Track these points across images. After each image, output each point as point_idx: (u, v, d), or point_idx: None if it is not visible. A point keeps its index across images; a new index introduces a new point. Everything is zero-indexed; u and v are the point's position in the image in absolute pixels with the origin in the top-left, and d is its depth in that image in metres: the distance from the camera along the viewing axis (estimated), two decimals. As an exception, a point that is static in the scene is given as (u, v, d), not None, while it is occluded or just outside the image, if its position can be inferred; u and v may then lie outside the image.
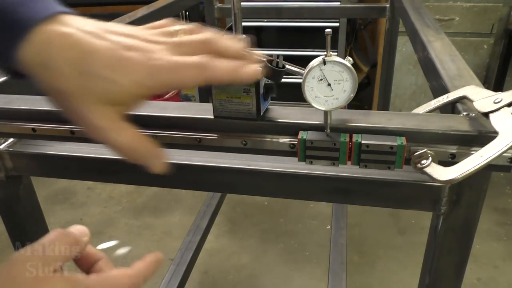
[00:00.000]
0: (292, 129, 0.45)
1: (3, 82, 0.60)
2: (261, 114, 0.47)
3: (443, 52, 0.64)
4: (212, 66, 0.33)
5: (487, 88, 0.47)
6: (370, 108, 2.54)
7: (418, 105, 0.51)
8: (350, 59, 0.41)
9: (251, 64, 0.35)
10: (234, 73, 0.34)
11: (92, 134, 0.33)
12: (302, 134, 0.44)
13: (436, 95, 0.54)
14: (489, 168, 0.38)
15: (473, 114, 0.44)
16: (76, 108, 0.32)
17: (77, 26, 0.32)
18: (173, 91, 2.79)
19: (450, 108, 0.49)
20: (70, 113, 0.33)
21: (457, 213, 0.46)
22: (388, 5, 1.35)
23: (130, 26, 0.35)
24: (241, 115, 0.47)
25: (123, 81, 0.31)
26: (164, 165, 0.35)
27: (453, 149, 0.42)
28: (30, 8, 0.31)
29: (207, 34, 0.36)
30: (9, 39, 0.31)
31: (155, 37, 0.35)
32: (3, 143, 0.57)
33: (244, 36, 0.48)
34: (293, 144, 0.46)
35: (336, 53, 1.65)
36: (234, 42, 0.36)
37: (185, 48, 0.34)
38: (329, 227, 1.84)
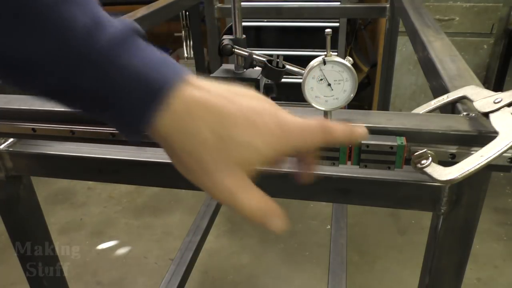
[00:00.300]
0: (292, 129, 0.45)
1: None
2: (261, 114, 0.47)
3: (443, 52, 0.64)
4: (334, 128, 0.35)
5: (487, 88, 0.47)
6: (370, 108, 2.54)
7: (418, 105, 0.51)
8: (350, 59, 0.41)
9: (360, 128, 0.37)
10: (350, 134, 0.36)
11: (219, 197, 0.33)
12: (302, 134, 0.44)
13: (436, 95, 0.54)
14: (489, 168, 0.38)
15: (473, 114, 0.44)
16: (210, 172, 0.32)
17: (209, 89, 0.32)
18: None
19: (450, 108, 0.49)
20: (200, 176, 0.32)
21: (457, 213, 0.46)
22: (388, 5, 1.35)
23: (259, 96, 0.35)
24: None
25: (259, 145, 0.32)
26: (284, 224, 0.34)
27: (453, 149, 0.42)
28: (162, 73, 0.30)
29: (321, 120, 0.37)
30: (143, 106, 0.30)
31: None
32: (3, 143, 0.57)
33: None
34: (293, 144, 0.46)
35: (336, 53, 1.65)
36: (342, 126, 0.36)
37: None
38: (329, 227, 1.84)
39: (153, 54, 0.31)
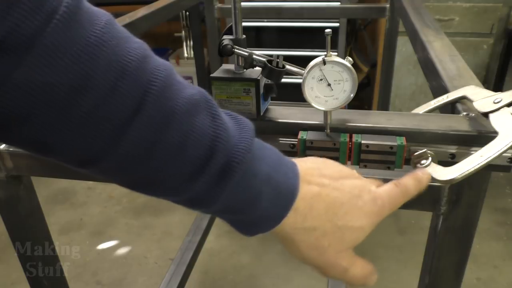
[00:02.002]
0: (292, 129, 0.45)
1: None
2: (261, 114, 0.47)
3: (443, 52, 0.64)
4: (409, 186, 0.38)
5: (487, 88, 0.47)
6: (370, 108, 2.54)
7: (418, 105, 0.51)
8: (350, 59, 0.41)
9: (424, 174, 0.39)
10: (420, 184, 0.38)
11: (333, 274, 0.36)
12: (302, 134, 0.44)
13: (436, 95, 0.54)
14: (489, 168, 0.38)
15: (473, 114, 0.44)
16: (329, 256, 0.35)
17: (318, 182, 0.34)
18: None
19: (450, 108, 0.49)
20: (316, 259, 0.35)
21: (457, 213, 0.46)
22: (388, 5, 1.35)
23: (340, 167, 0.37)
24: (241, 115, 0.47)
25: (365, 226, 0.35)
26: (375, 277, 0.38)
27: (453, 149, 0.42)
28: (287, 175, 0.33)
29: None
30: (274, 212, 0.32)
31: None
32: (3, 143, 0.57)
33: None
34: (293, 144, 0.46)
35: (336, 53, 1.64)
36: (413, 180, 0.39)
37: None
38: (329, 227, 1.83)
39: (271, 153, 0.33)
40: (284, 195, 0.32)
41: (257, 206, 0.31)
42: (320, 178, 0.35)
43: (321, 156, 0.44)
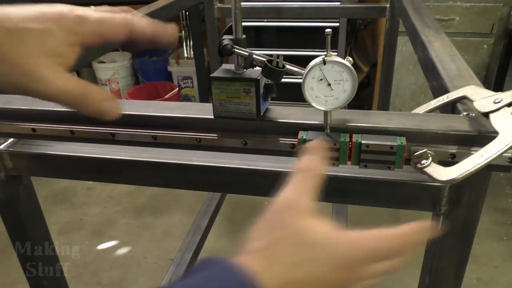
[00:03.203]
0: (292, 129, 0.45)
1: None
2: (261, 114, 0.47)
3: (443, 52, 0.64)
4: (137, 21, 0.37)
5: (487, 88, 0.47)
6: (370, 108, 2.54)
7: (418, 105, 0.51)
8: (350, 59, 0.41)
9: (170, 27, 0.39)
10: (155, 31, 0.38)
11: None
12: (302, 134, 0.44)
13: (436, 95, 0.54)
14: (489, 168, 0.37)
15: (473, 114, 0.44)
16: None
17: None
18: (173, 92, 2.79)
19: (450, 108, 0.49)
20: None
21: (457, 213, 0.46)
22: (388, 5, 1.35)
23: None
24: (241, 115, 0.47)
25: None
26: (118, 109, 0.37)
27: (453, 149, 0.42)
28: None
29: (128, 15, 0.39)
30: None
31: None
32: (3, 143, 0.57)
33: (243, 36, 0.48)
34: (293, 144, 0.46)
35: (336, 53, 1.65)
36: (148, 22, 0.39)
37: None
38: (329, 227, 1.83)
39: None
40: None
41: None
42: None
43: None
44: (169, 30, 0.39)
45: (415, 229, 0.34)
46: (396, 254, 0.34)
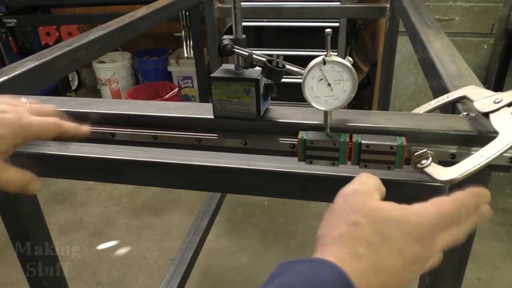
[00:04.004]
0: (292, 129, 0.45)
1: (3, 82, 0.60)
2: (261, 114, 0.47)
3: (443, 52, 0.64)
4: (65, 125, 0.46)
5: (487, 88, 0.47)
6: (370, 108, 2.54)
7: (418, 105, 0.51)
8: (350, 59, 0.41)
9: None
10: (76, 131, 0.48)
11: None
12: (302, 134, 0.44)
13: (436, 95, 0.54)
14: (489, 168, 0.37)
15: (473, 114, 0.44)
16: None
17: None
18: (173, 92, 2.79)
19: (450, 108, 0.49)
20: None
21: (457, 213, 0.46)
22: (388, 5, 1.35)
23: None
24: (241, 115, 0.47)
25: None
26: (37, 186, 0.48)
27: (453, 149, 0.42)
28: None
29: None
30: None
31: None
32: (3, 143, 0.57)
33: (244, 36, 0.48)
34: (293, 144, 0.46)
35: (336, 53, 1.65)
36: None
37: None
38: (329, 227, 1.83)
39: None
40: None
41: None
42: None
43: (320, 156, 0.44)
44: (84, 131, 0.48)
45: (474, 191, 0.36)
46: (462, 217, 0.36)
